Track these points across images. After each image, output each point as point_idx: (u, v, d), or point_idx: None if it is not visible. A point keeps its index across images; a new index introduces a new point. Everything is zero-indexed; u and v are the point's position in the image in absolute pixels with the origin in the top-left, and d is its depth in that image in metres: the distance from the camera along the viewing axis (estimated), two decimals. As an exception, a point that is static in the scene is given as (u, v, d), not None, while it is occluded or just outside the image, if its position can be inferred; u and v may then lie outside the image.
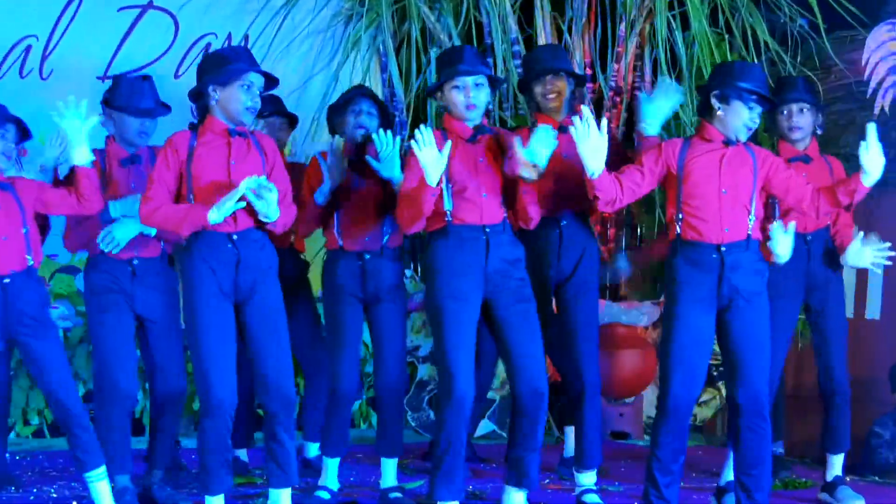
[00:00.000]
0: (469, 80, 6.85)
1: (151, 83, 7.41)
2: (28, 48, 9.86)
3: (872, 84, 9.19)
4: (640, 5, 10.11)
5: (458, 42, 10.09)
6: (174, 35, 10.20)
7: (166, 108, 7.33)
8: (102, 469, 6.92)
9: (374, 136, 7.32)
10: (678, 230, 6.87)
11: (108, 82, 9.11)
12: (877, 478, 8.37)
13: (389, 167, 7.20)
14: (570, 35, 10.13)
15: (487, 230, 6.84)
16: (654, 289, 10.07)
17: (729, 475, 7.49)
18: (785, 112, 7.55)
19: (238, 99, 6.64)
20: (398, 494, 7.52)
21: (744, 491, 6.89)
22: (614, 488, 7.98)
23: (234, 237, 6.59)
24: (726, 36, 9.85)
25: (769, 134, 8.38)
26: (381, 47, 10.22)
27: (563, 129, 7.22)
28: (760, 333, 6.93)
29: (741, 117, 6.81)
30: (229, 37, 10.22)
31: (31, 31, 9.86)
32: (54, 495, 7.68)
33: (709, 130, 6.88)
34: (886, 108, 8.95)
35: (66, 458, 7.94)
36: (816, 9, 9.40)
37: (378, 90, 9.44)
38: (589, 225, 7.62)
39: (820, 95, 8.41)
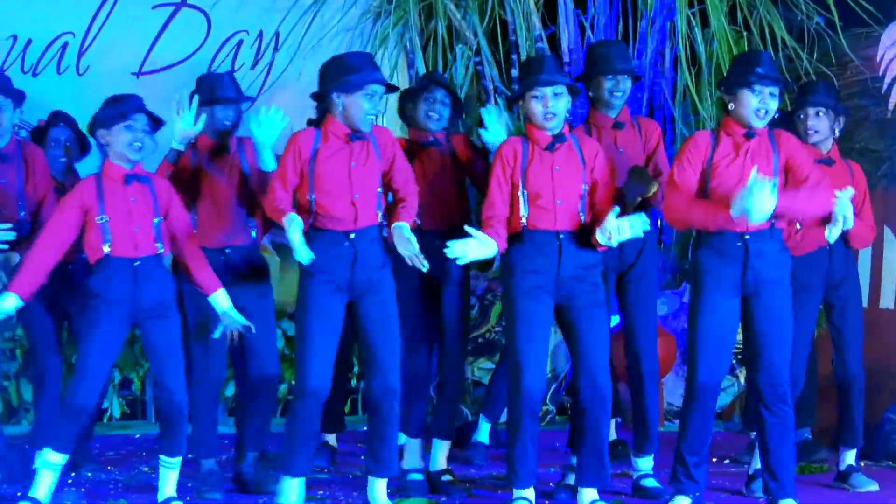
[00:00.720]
0: (548, 90, 7.00)
1: (231, 75, 7.74)
2: (65, 45, 10.02)
3: (887, 80, 9.40)
4: (659, 3, 10.36)
5: (483, 39, 10.31)
6: (207, 32, 10.36)
7: (248, 98, 7.77)
8: (179, 459, 7.24)
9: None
10: None
11: (143, 78, 9.88)
12: (891, 463, 8.51)
13: None
14: (592, 32, 10.35)
15: (561, 236, 7.01)
16: (674, 279, 10.22)
17: (757, 463, 7.65)
18: (802, 115, 7.71)
19: (360, 107, 6.89)
20: (449, 477, 7.74)
21: (769, 473, 7.04)
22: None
23: (352, 235, 6.90)
24: (744, 33, 10.05)
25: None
26: (408, 44, 10.37)
27: (618, 126, 7.54)
28: (783, 320, 7.05)
29: (749, 104, 6.93)
30: (260, 34, 10.38)
31: (69, 29, 10.02)
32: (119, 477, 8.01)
33: (729, 125, 7.05)
34: (903, 102, 9.35)
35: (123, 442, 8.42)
36: (833, 6, 9.59)
37: (404, 86, 9.57)
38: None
39: (839, 99, 8.53)
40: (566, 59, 10.53)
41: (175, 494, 7.26)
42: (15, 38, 10.00)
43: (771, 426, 7.04)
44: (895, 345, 9.10)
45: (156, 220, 7.16)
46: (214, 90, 7.70)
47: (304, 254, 6.83)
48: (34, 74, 10.02)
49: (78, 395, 7.18)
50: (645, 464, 7.81)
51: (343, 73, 7.08)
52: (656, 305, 7.94)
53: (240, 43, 10.43)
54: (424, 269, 6.97)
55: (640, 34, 10.41)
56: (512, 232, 7.14)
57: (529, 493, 7.22)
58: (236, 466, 7.73)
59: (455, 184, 7.86)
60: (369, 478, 7.27)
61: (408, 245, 6.88)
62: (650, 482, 7.69)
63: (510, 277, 7.13)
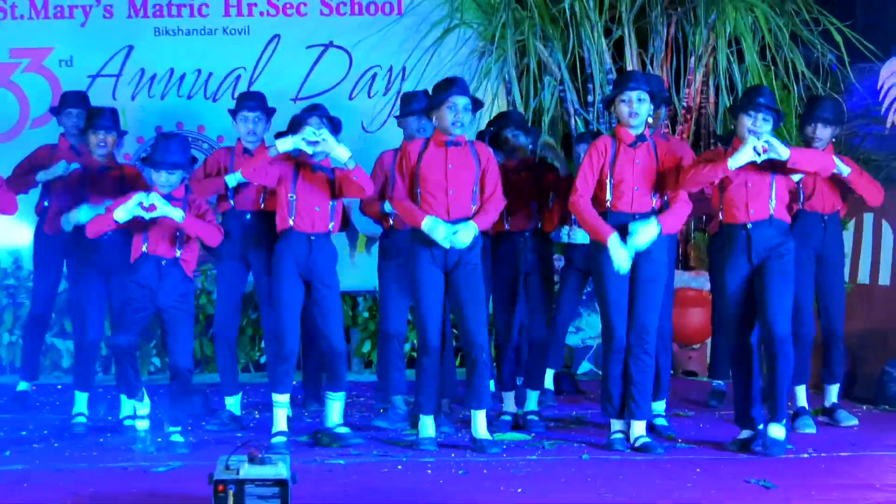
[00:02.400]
0: (633, 94, 7.75)
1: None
2: (238, 77, 11.47)
3: (885, 104, 10.51)
4: (705, 43, 11.48)
5: (565, 72, 11.48)
6: (349, 67, 11.60)
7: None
8: (343, 394, 8.25)
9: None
10: (721, 216, 7.90)
11: (299, 103, 10.71)
12: (887, 406, 9.44)
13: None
14: (652, 66, 11.52)
15: (637, 216, 7.79)
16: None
17: (800, 401, 8.66)
18: (811, 126, 8.63)
19: (445, 117, 7.83)
20: (535, 417, 8.62)
21: (768, 408, 7.80)
22: (684, 414, 9.21)
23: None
24: (772, 67, 11.23)
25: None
26: (506, 76, 11.52)
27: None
28: (782, 284, 7.77)
29: (743, 124, 7.75)
30: (391, 68, 11.61)
31: (241, 64, 11.47)
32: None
33: (735, 142, 7.89)
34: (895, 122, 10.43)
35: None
36: (842, 45, 10.81)
37: (503, 109, 10.69)
38: None
39: (844, 114, 9.39)
40: None
41: (341, 421, 8.25)
42: (199, 71, 11.46)
43: (772, 370, 7.79)
44: (892, 315, 9.98)
45: (332, 203, 8.20)
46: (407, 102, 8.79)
47: (447, 243, 7.74)
48: (214, 100, 11.39)
49: (286, 342, 8.16)
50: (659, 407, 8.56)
51: (434, 93, 7.96)
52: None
53: (374, 76, 11.61)
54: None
55: (689, 68, 11.57)
56: (600, 211, 7.85)
57: (619, 423, 8.00)
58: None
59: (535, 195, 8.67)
60: (471, 411, 8.07)
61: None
62: (661, 422, 8.50)
63: (598, 251, 7.86)
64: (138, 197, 7.88)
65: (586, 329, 11.12)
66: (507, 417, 8.66)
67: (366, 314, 11.67)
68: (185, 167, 8.17)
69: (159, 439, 8.11)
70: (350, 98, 11.53)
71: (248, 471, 6.12)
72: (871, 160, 10.53)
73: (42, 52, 11.45)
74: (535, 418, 8.63)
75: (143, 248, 8.03)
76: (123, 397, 8.45)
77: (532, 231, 8.57)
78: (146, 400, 8.23)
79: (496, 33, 11.43)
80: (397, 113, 9.19)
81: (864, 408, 9.41)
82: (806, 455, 7.73)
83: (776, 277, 7.77)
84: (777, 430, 7.64)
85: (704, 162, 7.83)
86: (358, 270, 11.12)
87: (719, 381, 9.74)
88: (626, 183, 7.80)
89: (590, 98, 11.67)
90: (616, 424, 7.97)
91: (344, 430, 8.16)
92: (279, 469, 6.18)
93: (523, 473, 7.33)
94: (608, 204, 7.82)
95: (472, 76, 11.41)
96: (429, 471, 7.38)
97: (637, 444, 7.85)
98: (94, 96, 10.35)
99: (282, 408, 8.12)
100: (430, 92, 8.15)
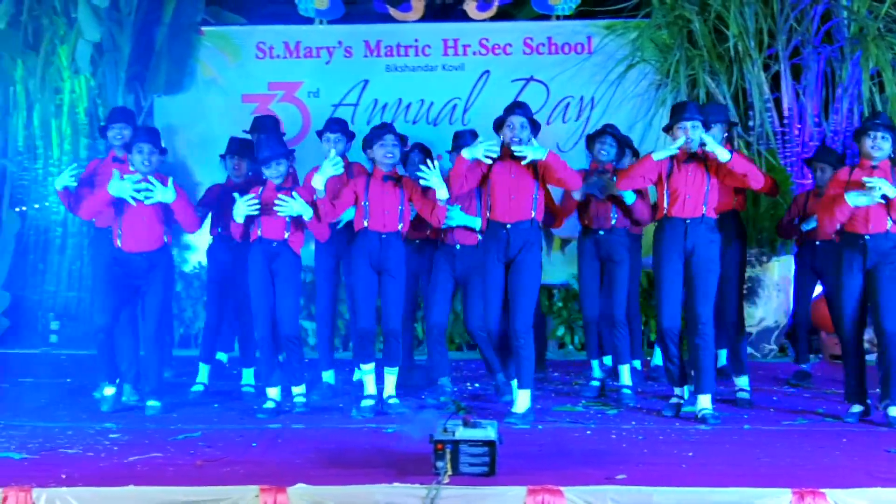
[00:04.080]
0: (688, 123, 8.30)
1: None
2: (454, 106, 12.59)
3: None
4: (850, 76, 12.05)
5: (730, 101, 12.03)
6: (546, 97, 12.57)
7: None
8: (396, 368, 8.79)
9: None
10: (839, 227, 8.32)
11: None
12: None
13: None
14: (804, 96, 12.20)
15: (688, 222, 8.35)
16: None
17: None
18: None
19: (505, 134, 8.47)
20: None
21: (881, 392, 8.33)
22: (832, 391, 9.52)
23: (508, 227, 8.44)
24: None
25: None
26: None
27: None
28: (892, 287, 8.27)
29: (865, 144, 8.33)
30: (581, 98, 12.47)
31: (457, 95, 12.61)
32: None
33: (861, 161, 8.33)
34: None
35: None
36: None
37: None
38: None
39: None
40: (785, 114, 12.15)
41: (393, 393, 8.80)
42: (423, 101, 12.62)
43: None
44: None
45: (400, 208, 8.71)
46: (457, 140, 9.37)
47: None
48: (434, 125, 12.47)
49: (360, 322, 8.78)
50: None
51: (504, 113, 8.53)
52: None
53: (567, 104, 12.57)
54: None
55: (836, 97, 12.12)
56: (657, 218, 8.51)
57: (679, 390, 8.64)
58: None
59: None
60: (518, 389, 8.52)
61: None
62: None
63: (658, 247, 8.42)
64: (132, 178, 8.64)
65: (746, 318, 10.30)
66: (596, 383, 9.50)
67: (559, 304, 12.27)
68: (287, 156, 8.80)
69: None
70: (547, 123, 12.16)
71: (462, 433, 6.73)
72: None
73: (294, 85, 12.79)
74: (629, 391, 9.29)
75: (259, 233, 8.77)
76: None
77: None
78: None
79: (671, 69, 12.08)
80: (589, 131, 10.06)
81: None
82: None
83: (886, 283, 8.28)
84: (894, 410, 8.21)
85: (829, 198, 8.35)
86: (553, 267, 11.69)
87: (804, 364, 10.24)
88: (680, 193, 8.37)
89: (750, 123, 12.26)
90: (677, 391, 8.70)
91: (394, 401, 8.77)
92: (488, 432, 6.76)
93: (694, 440, 7.87)
94: (665, 210, 8.44)
95: (649, 106, 12.20)
96: (613, 435, 8.01)
97: (699, 415, 8.41)
98: None
99: (368, 374, 8.82)
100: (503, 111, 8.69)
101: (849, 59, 12.08)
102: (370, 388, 8.79)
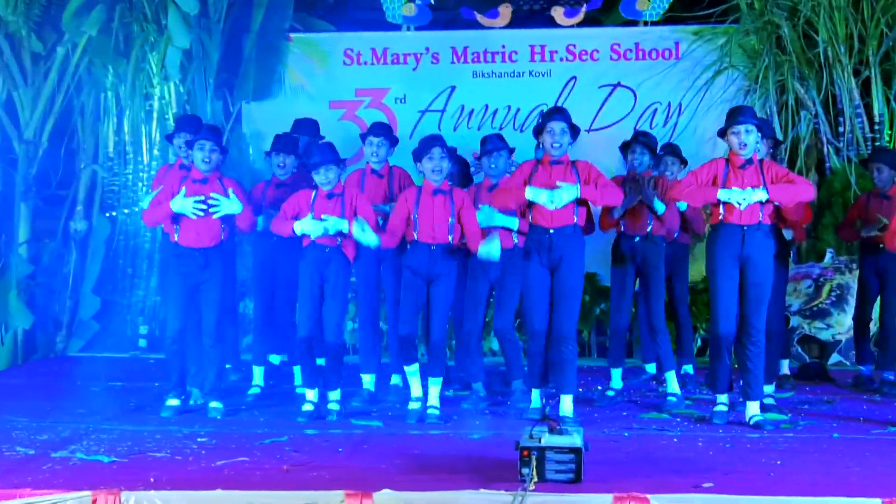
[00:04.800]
0: (741, 127, 8.22)
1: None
2: (542, 112, 10.44)
3: None
4: None
5: (819, 107, 12.08)
6: (634, 103, 12.61)
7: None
8: (440, 378, 8.76)
9: None
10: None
11: (592, 133, 11.84)
12: None
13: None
14: (895, 102, 12.09)
15: (745, 229, 8.29)
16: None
17: None
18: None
19: (545, 140, 8.46)
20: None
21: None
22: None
23: (551, 231, 8.41)
24: None
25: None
26: (767, 111, 12.05)
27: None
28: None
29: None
30: (669, 104, 12.49)
31: (544, 101, 12.39)
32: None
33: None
34: None
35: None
36: None
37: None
38: None
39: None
40: (875, 120, 12.10)
41: (436, 403, 8.77)
42: (509, 107, 12.69)
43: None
44: None
45: (451, 220, 8.67)
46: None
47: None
48: (521, 131, 12.38)
49: (405, 328, 8.78)
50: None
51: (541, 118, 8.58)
52: None
53: (654, 111, 12.58)
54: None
55: None
56: (712, 223, 8.39)
57: (724, 397, 8.61)
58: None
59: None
60: (560, 395, 8.56)
61: None
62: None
63: (713, 254, 8.38)
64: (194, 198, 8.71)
65: (835, 326, 11.39)
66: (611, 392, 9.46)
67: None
68: (338, 163, 8.78)
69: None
70: (635, 128, 11.97)
71: (548, 439, 6.70)
72: None
73: (381, 91, 12.93)
74: (674, 398, 9.30)
75: (312, 238, 8.76)
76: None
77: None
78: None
79: (759, 74, 12.11)
80: (675, 139, 10.29)
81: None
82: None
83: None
84: None
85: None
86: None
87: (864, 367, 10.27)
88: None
89: (840, 129, 12.25)
90: (721, 398, 8.64)
91: (434, 411, 8.76)
92: (574, 438, 6.73)
93: (782, 448, 7.79)
94: (721, 217, 8.39)
95: None
96: (700, 443, 7.95)
97: (751, 422, 8.41)
98: (421, 129, 11.84)
99: (413, 376, 8.85)
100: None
101: (941, 63, 12.01)
102: (416, 390, 8.86)
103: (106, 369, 11.22)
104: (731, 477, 6.99)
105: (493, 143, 9.33)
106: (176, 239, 8.93)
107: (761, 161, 8.41)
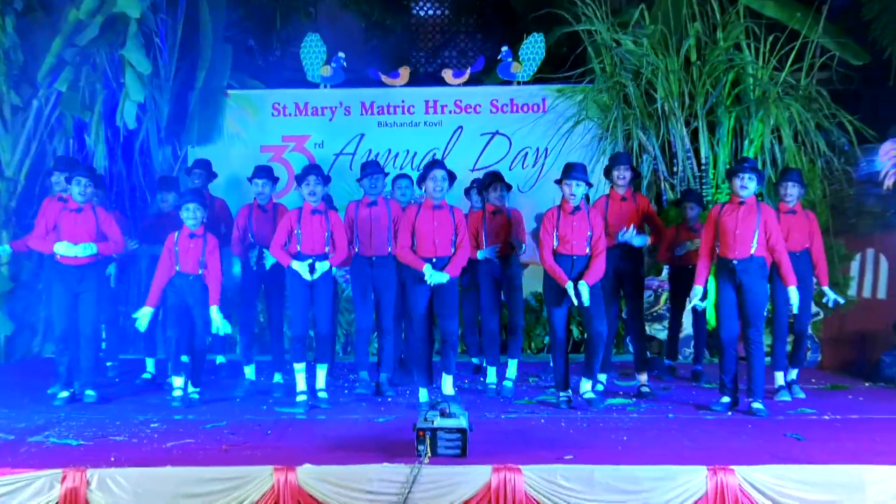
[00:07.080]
0: (573, 182, 8.11)
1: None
2: (434, 154, 12.13)
3: (882, 173, 10.87)
4: (755, 131, 11.70)
5: (658, 151, 11.86)
6: (508, 147, 12.42)
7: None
8: (452, 377, 8.24)
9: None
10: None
11: (475, 172, 11.33)
12: (883, 384, 9.60)
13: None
14: (718, 146, 11.83)
15: (735, 262, 8.04)
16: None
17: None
18: (783, 186, 8.80)
19: (428, 187, 8.22)
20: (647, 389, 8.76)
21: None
22: None
23: (574, 258, 8.12)
24: (802, 147, 11.60)
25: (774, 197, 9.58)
26: None
27: (623, 199, 8.56)
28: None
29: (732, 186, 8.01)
30: (537, 149, 12.25)
31: (436, 146, 12.30)
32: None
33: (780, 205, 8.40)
34: (890, 186, 10.71)
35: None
36: (852, 132, 11.30)
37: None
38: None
39: (804, 177, 9.47)
40: (702, 161, 11.83)
41: (453, 392, 8.26)
42: (408, 151, 12.42)
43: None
44: (889, 319, 10.15)
45: (453, 236, 8.20)
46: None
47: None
48: (417, 170, 11.49)
49: (414, 332, 8.32)
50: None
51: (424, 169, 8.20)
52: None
53: (526, 154, 12.41)
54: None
55: (744, 148, 11.85)
56: (716, 261, 8.17)
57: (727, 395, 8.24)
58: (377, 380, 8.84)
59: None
60: (581, 378, 8.33)
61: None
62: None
63: (716, 281, 8.23)
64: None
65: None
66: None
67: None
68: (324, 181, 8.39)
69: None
70: (510, 169, 12.21)
71: (439, 422, 6.62)
72: (872, 213, 10.96)
73: (303, 138, 12.61)
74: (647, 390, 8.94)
75: (298, 248, 8.39)
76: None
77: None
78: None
79: (610, 124, 11.94)
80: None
81: (866, 384, 9.71)
82: (827, 417, 8.07)
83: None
84: None
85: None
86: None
87: None
88: (730, 236, 8.12)
89: (675, 169, 12.02)
90: (725, 398, 8.31)
91: (322, 394, 8.51)
92: (461, 421, 6.65)
93: (628, 426, 7.70)
94: (717, 252, 8.21)
95: (592, 154, 12.04)
96: (562, 423, 7.77)
97: (584, 397, 8.30)
98: (336, 170, 11.54)
99: (300, 372, 8.44)
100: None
101: (754, 117, 11.88)
102: (448, 388, 8.39)
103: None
104: (587, 450, 6.93)
105: (372, 168, 9.03)
106: (59, 258, 8.61)
107: (588, 207, 8.30)
